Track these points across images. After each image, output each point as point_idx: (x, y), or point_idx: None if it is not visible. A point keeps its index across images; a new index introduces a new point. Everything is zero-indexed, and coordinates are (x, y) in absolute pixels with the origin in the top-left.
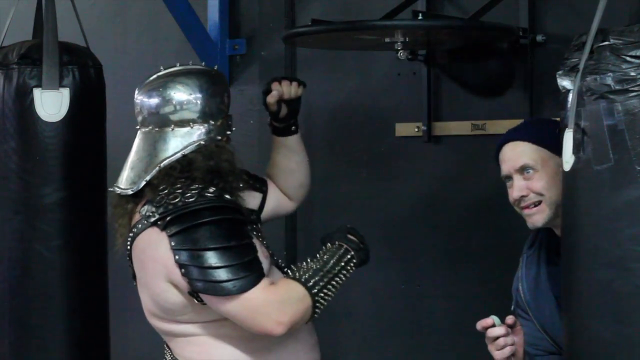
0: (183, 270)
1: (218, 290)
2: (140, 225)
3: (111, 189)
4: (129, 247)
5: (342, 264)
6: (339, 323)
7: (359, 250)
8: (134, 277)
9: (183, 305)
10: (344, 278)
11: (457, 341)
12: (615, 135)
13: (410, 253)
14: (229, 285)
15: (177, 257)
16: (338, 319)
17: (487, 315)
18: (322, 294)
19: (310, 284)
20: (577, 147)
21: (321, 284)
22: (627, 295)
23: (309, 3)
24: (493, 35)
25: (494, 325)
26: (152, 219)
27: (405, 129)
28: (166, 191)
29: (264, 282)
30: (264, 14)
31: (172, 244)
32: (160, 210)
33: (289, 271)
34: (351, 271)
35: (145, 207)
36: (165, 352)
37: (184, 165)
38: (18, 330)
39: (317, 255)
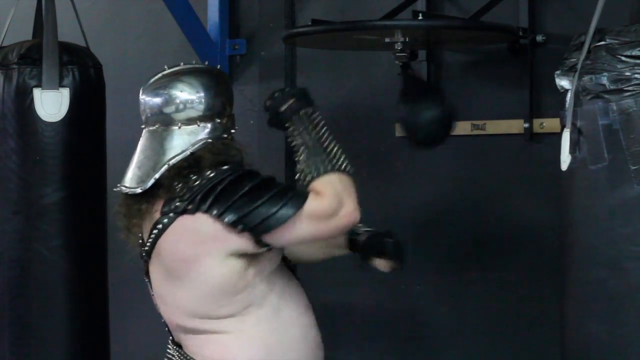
0: (240, 226)
1: (279, 220)
2: (166, 220)
3: (116, 189)
4: (148, 246)
5: (312, 127)
6: (339, 323)
7: (298, 101)
8: (146, 273)
9: (234, 283)
10: (324, 126)
11: (458, 341)
12: (610, 134)
13: (410, 253)
14: (284, 210)
15: (226, 219)
16: (338, 319)
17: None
18: (339, 161)
19: (325, 167)
20: (574, 147)
21: (330, 156)
22: (621, 294)
23: (309, 3)
24: (493, 35)
25: None
26: (180, 209)
27: None
28: (181, 185)
29: (311, 193)
30: (264, 14)
31: (214, 212)
32: (186, 197)
33: (297, 178)
34: (317, 116)
35: (166, 206)
36: (172, 351)
37: (192, 163)
38: (18, 330)
39: (295, 147)
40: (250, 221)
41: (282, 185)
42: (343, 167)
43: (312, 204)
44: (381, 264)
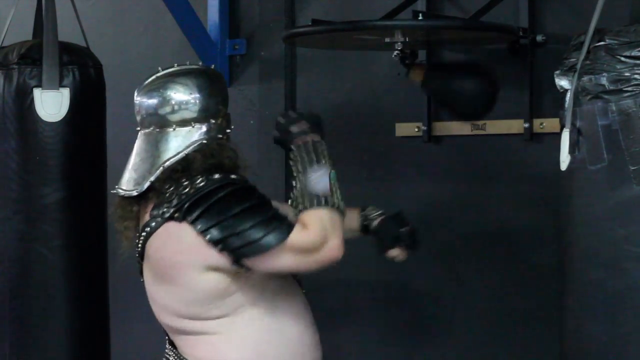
0: (220, 245)
1: (261, 248)
2: (153, 224)
3: (114, 191)
4: (139, 247)
5: (316, 158)
6: (339, 323)
7: (310, 126)
8: (141, 273)
9: (221, 289)
10: (327, 161)
11: (458, 341)
12: (610, 135)
13: (409, 253)
14: (267, 239)
15: (208, 237)
16: (338, 319)
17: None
18: (332, 197)
19: (318, 200)
20: (573, 147)
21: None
22: (620, 294)
23: (309, 3)
24: (493, 35)
25: None
26: (167, 215)
27: (405, 129)
28: (172, 188)
29: (297, 225)
30: (264, 14)
31: (198, 227)
32: (174, 203)
33: (290, 203)
34: (324, 148)
35: (156, 209)
36: (168, 351)
37: (185, 166)
38: (18, 330)
39: (295, 175)
40: (232, 243)
41: (270, 212)
42: (336, 203)
43: (296, 237)
44: (395, 253)
